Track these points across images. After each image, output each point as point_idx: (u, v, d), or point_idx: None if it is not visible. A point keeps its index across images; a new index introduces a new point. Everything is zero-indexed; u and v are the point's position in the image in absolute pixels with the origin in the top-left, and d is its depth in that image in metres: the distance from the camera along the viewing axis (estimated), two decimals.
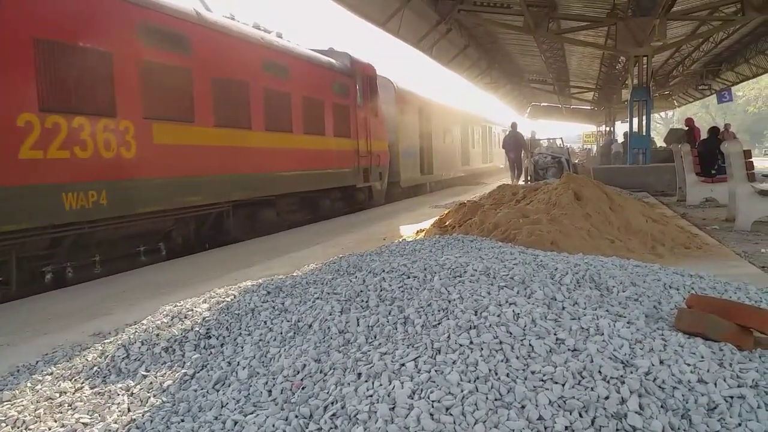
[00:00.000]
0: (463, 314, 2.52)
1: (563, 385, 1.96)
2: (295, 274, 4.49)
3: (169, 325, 3.24)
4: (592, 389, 1.93)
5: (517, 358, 2.16)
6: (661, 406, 1.87)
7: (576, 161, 21.63)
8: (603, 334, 2.33)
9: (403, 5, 13.73)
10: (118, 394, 2.53)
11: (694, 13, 14.84)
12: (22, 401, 2.59)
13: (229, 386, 2.41)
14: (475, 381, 2.00)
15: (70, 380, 2.83)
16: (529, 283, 3.00)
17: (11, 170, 5.29)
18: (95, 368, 2.91)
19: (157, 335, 3.09)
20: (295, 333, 2.85)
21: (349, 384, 2.12)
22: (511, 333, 2.32)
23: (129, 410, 2.35)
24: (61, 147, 5.76)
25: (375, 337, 2.63)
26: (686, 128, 17.53)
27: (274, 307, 3.31)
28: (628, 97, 15.43)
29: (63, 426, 2.26)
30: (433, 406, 1.85)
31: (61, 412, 2.41)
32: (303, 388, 2.23)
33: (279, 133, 9.88)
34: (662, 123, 60.01)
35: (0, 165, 5.21)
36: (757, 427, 1.80)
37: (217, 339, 3.03)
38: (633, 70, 14.87)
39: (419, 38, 15.86)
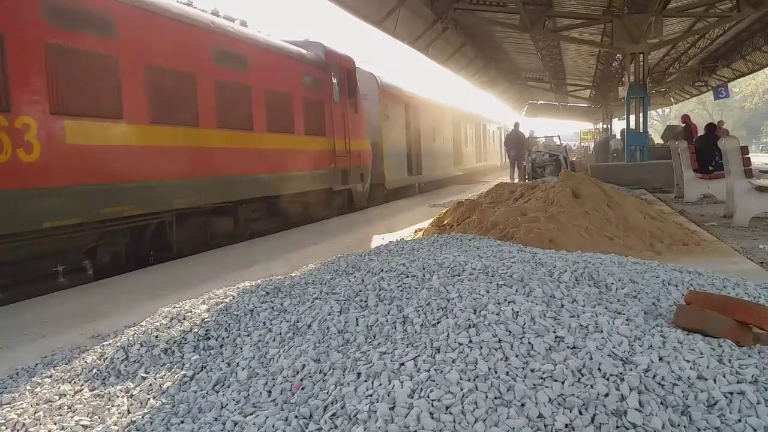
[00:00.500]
0: (462, 313, 2.52)
1: (563, 382, 1.96)
2: (293, 274, 4.49)
3: (168, 327, 3.24)
4: (591, 387, 1.93)
5: (517, 356, 2.16)
6: (661, 403, 1.88)
7: (573, 159, 21.63)
8: (602, 331, 2.33)
9: (399, 4, 13.74)
10: (118, 396, 2.53)
11: (689, 10, 14.87)
12: (22, 404, 2.58)
13: (228, 387, 2.41)
14: (474, 379, 2.00)
15: (70, 383, 2.83)
16: (528, 281, 3.01)
17: None
18: (94, 370, 2.90)
19: (156, 337, 3.09)
20: (294, 333, 2.85)
21: (348, 384, 2.12)
22: (510, 331, 2.32)
23: (129, 412, 2.35)
24: None
25: (374, 337, 2.63)
26: (683, 125, 17.56)
27: (273, 308, 3.31)
28: (625, 94, 15.43)
29: (63, 428, 2.26)
30: (432, 405, 1.85)
31: (61, 415, 2.41)
32: (303, 389, 2.23)
33: (236, 131, 8.78)
34: (659, 120, 60.12)
35: None
36: (757, 423, 1.80)
37: (216, 340, 3.03)
38: (629, 67, 14.88)
39: (416, 37, 15.86)
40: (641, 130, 15.24)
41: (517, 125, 20.22)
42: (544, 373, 2.03)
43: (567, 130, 45.50)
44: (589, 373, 2.01)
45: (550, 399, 1.88)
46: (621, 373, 2.00)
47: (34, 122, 5.63)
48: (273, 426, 1.97)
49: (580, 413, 1.82)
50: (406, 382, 2.00)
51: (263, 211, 9.90)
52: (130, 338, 3.15)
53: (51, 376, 2.97)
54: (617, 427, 1.77)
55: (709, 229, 7.05)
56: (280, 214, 10.35)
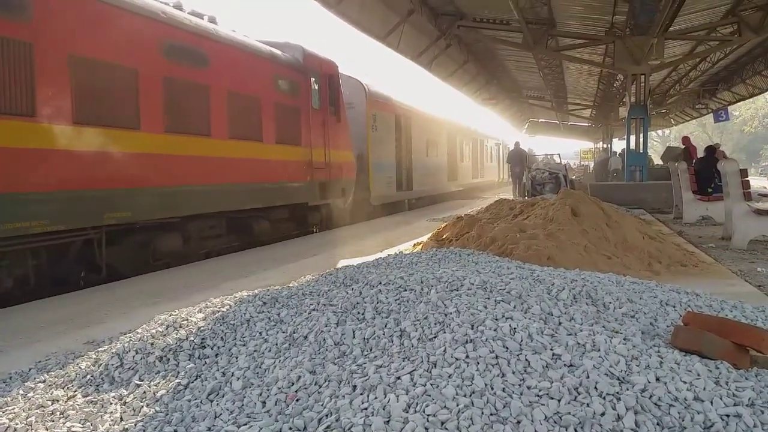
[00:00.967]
0: (459, 328, 2.51)
1: (559, 400, 1.95)
2: (291, 284, 4.49)
3: (164, 334, 3.22)
4: (588, 405, 1.92)
5: (513, 372, 2.15)
6: (657, 424, 1.87)
7: (573, 177, 21.72)
8: (599, 350, 2.33)
9: (404, 20, 13.85)
10: (111, 403, 2.51)
11: (691, 33, 14.99)
12: (14, 409, 2.56)
13: (223, 397, 2.39)
14: (470, 395, 1.99)
15: (63, 388, 2.81)
16: (526, 298, 3.00)
17: None
18: (88, 376, 2.88)
19: (152, 344, 3.08)
20: (290, 344, 2.84)
21: (344, 396, 2.11)
22: (507, 348, 2.32)
23: (121, 419, 2.33)
24: None
25: (371, 350, 2.62)
26: (683, 146, 17.64)
27: (269, 318, 3.30)
28: (626, 114, 15.51)
29: None
30: (428, 420, 1.84)
31: (53, 421, 2.39)
32: (297, 400, 2.22)
33: (189, 137, 7.72)
34: (659, 141, 60.39)
35: None
36: None
37: (212, 349, 3.02)
38: (630, 88, 14.98)
39: (419, 53, 15.97)
40: (641, 151, 15.30)
41: (517, 144, 21.80)
42: (540, 391, 2.02)
43: (567, 148, 45.70)
44: (585, 392, 2.01)
45: (546, 417, 1.87)
46: (617, 393, 1.99)
47: None
48: None
49: None
50: (402, 396, 1.99)
51: (223, 228, 8.88)
52: (125, 345, 3.13)
53: (44, 382, 2.95)
54: None
55: (707, 251, 7.05)
56: (244, 231, 9.37)
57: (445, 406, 1.91)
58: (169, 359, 2.93)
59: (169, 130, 7.39)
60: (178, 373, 2.76)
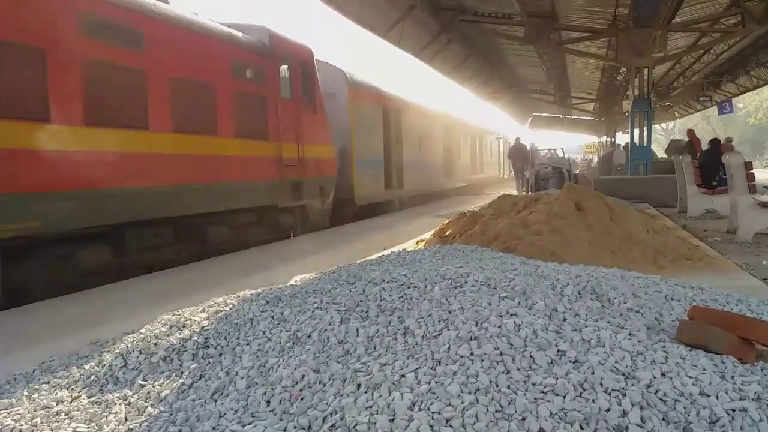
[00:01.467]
0: (463, 325, 2.51)
1: (564, 397, 1.95)
2: (294, 283, 4.48)
3: (168, 335, 3.23)
4: (593, 401, 1.91)
5: (518, 369, 2.14)
6: (663, 419, 1.86)
7: (577, 172, 21.67)
8: (604, 345, 2.31)
9: (405, 15, 13.80)
10: (116, 404, 2.51)
11: (694, 25, 14.90)
12: (19, 410, 2.56)
13: (227, 396, 2.39)
14: (475, 392, 1.98)
15: (67, 389, 2.81)
16: (530, 294, 2.99)
17: None
18: (92, 377, 2.89)
19: (156, 344, 3.08)
20: (294, 343, 2.84)
21: (348, 395, 2.10)
22: (512, 344, 2.31)
23: (126, 420, 2.34)
24: None
25: (375, 348, 2.61)
26: (687, 139, 17.57)
27: (273, 317, 3.30)
28: (629, 108, 15.45)
29: None
30: (433, 418, 1.83)
31: (58, 422, 2.40)
32: (302, 399, 2.22)
33: (119, 131, 6.62)
34: (663, 134, 60.15)
35: None
36: None
37: (216, 348, 3.02)
38: (634, 81, 14.90)
39: (421, 48, 15.92)
40: (645, 144, 15.24)
41: (518, 139, 22.39)
42: (545, 387, 2.01)
43: (571, 142, 45.48)
44: (590, 388, 2.00)
45: (551, 413, 1.87)
46: (623, 388, 1.98)
47: None
48: None
49: (582, 428, 1.80)
50: (407, 394, 1.98)
51: (170, 236, 7.70)
52: (129, 345, 3.14)
53: (49, 382, 2.96)
54: None
55: (712, 245, 7.02)
56: (198, 239, 8.18)
57: (449, 404, 1.91)
58: (172, 359, 2.94)
59: (91, 123, 6.25)
60: (182, 373, 2.76)
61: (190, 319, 3.45)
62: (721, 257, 6.05)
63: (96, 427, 2.30)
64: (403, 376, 2.17)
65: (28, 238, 5.71)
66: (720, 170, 10.67)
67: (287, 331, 2.97)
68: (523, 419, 1.84)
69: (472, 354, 2.26)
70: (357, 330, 2.79)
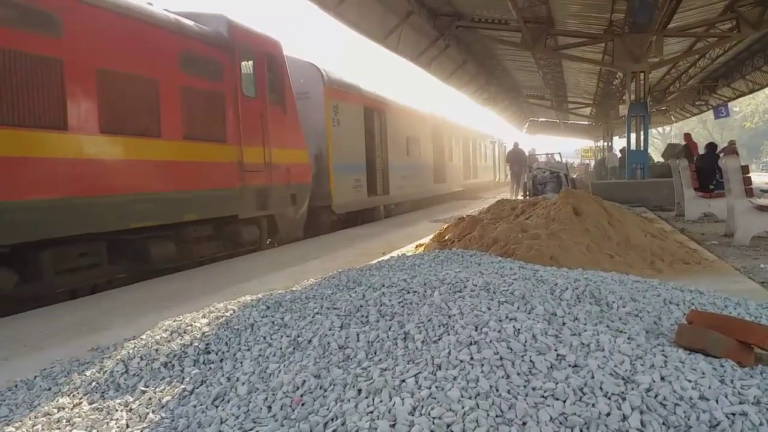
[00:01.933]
0: (463, 330, 2.52)
1: (564, 401, 1.95)
2: (294, 288, 4.49)
3: (169, 340, 3.23)
4: (593, 406, 1.92)
5: (518, 374, 2.15)
6: (663, 423, 1.87)
7: (574, 176, 21.72)
8: (604, 349, 2.33)
9: (402, 21, 13.86)
10: (117, 410, 2.52)
11: (690, 30, 14.99)
12: (20, 417, 2.57)
13: (228, 402, 2.40)
14: (476, 397, 1.99)
15: (69, 396, 2.81)
16: (530, 299, 3.00)
17: None
18: (94, 384, 2.89)
19: (156, 350, 3.08)
20: (294, 348, 2.84)
21: (349, 400, 2.11)
22: (511, 349, 2.32)
23: (127, 426, 2.34)
24: None
25: (375, 353, 2.62)
26: (684, 143, 17.63)
27: (273, 322, 3.30)
28: (626, 112, 15.51)
29: None
30: (434, 423, 1.84)
31: (59, 428, 2.40)
32: (303, 405, 2.22)
33: (28, 131, 5.62)
34: (660, 138, 60.33)
35: None
36: None
37: (217, 354, 3.02)
38: (630, 85, 14.97)
39: (418, 54, 15.97)
40: (642, 149, 15.29)
41: (516, 144, 22.81)
42: (545, 392, 2.02)
43: (568, 147, 45.59)
44: (590, 392, 2.01)
45: (551, 418, 1.87)
46: (623, 393, 1.99)
47: None
48: None
49: None
50: (407, 399, 1.99)
51: (101, 255, 6.69)
52: (130, 351, 3.14)
53: (50, 389, 2.96)
54: None
55: (709, 248, 7.05)
56: (137, 258, 7.19)
57: (450, 409, 1.91)
58: (174, 365, 2.94)
59: None
60: (183, 379, 2.76)
61: (191, 325, 3.45)
62: (719, 261, 6.07)
63: None
64: (403, 381, 2.17)
65: None
66: (717, 174, 10.73)
67: (288, 336, 2.98)
68: (524, 424, 1.85)
69: (472, 359, 2.27)
70: (357, 335, 2.79)
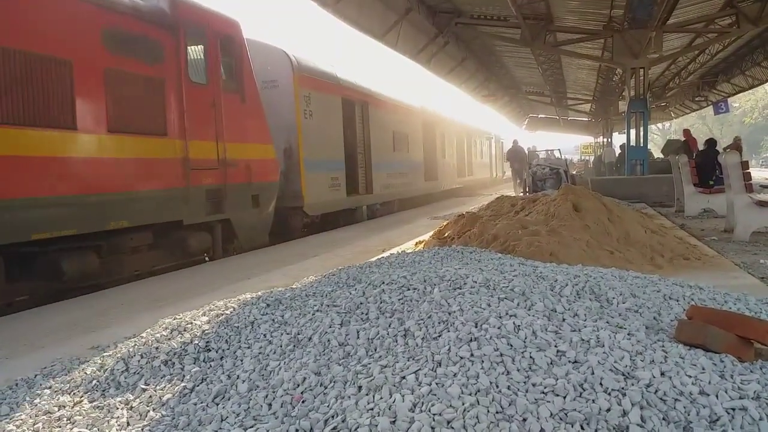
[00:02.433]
0: (463, 326, 2.52)
1: (564, 397, 1.96)
2: (294, 286, 4.49)
3: (169, 338, 3.23)
4: (593, 401, 1.92)
5: (518, 370, 2.15)
6: (663, 419, 1.87)
7: (574, 172, 21.72)
8: (604, 345, 2.33)
9: (401, 18, 13.84)
10: (117, 408, 2.52)
11: (689, 26, 14.97)
12: (21, 415, 2.57)
13: (228, 400, 2.40)
14: (476, 394, 1.99)
15: (69, 394, 2.82)
16: (529, 295, 3.00)
17: None
18: (94, 382, 2.89)
19: (157, 348, 3.09)
20: (294, 346, 2.85)
21: (349, 397, 2.11)
22: (511, 345, 2.32)
23: (128, 424, 2.34)
24: None
25: (375, 350, 2.62)
26: (683, 139, 17.63)
27: (273, 320, 3.31)
28: (625, 108, 15.50)
29: None
30: (434, 420, 1.84)
31: (60, 427, 2.40)
32: (303, 402, 2.22)
33: None
34: (659, 134, 60.31)
35: None
36: None
37: (217, 352, 3.02)
38: (630, 81, 14.95)
39: (417, 51, 15.95)
40: (642, 145, 15.29)
41: (516, 141, 23.61)
42: (545, 388, 2.02)
43: (568, 143, 45.54)
44: (590, 388, 2.01)
45: (551, 414, 1.88)
46: (623, 388, 1.99)
47: None
48: None
49: (582, 428, 1.81)
50: (408, 396, 1.99)
51: None
52: (131, 349, 3.14)
53: (50, 388, 2.96)
54: None
55: (709, 244, 7.05)
56: (47, 275, 6.01)
57: (450, 405, 1.91)
58: (174, 363, 2.94)
59: None
60: (184, 376, 2.76)
61: (191, 323, 3.46)
62: (718, 256, 6.08)
63: None
64: (403, 377, 2.17)
65: None
66: (716, 170, 10.73)
67: (288, 333, 2.98)
68: (524, 420, 1.85)
69: (472, 355, 2.27)
70: (357, 332, 2.79)
